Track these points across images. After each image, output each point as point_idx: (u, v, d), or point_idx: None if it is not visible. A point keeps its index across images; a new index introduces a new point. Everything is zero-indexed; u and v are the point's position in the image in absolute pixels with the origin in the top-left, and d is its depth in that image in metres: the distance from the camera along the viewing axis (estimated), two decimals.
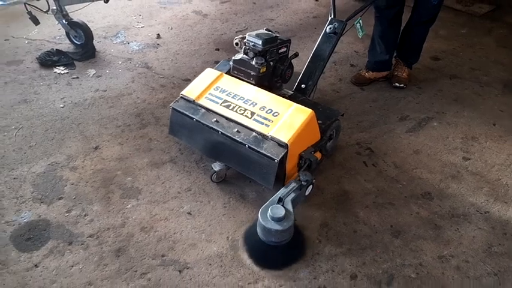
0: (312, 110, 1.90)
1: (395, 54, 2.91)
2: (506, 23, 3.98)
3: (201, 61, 3.06)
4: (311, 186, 1.84)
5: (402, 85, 2.85)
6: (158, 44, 3.26)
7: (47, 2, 2.69)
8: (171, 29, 3.51)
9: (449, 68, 3.18)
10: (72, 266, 1.63)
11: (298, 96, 2.28)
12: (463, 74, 3.11)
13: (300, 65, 2.46)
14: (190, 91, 2.04)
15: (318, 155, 2.05)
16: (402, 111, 2.66)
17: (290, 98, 2.12)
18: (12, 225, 1.77)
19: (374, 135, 2.43)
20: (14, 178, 1.99)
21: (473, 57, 3.36)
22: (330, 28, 2.37)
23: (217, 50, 3.22)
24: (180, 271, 1.64)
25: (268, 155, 1.76)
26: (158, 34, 3.38)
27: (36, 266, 1.63)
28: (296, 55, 2.27)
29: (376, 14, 2.70)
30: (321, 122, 2.04)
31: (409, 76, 2.90)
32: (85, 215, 1.84)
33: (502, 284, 1.67)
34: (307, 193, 1.84)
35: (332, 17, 2.41)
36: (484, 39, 3.65)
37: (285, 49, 2.21)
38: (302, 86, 2.37)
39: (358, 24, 2.45)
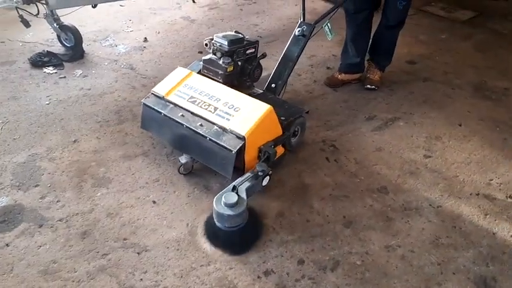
0: (274, 106, 2.02)
1: (368, 57, 3.02)
2: (487, 29, 4.08)
3: (183, 63, 3.20)
4: (268, 177, 1.95)
5: (374, 87, 2.96)
6: (144, 47, 3.43)
7: (37, 6, 2.86)
8: (159, 33, 3.68)
9: (423, 72, 3.29)
10: (40, 246, 1.77)
11: (268, 95, 2.41)
12: (436, 77, 3.22)
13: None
14: (161, 88, 2.18)
15: (280, 149, 2.17)
16: (371, 111, 2.77)
17: (259, 96, 2.26)
18: None
19: (340, 134, 2.54)
20: None
21: (449, 61, 3.46)
22: (299, 31, 2.50)
23: (200, 52, 3.37)
24: (138, 253, 1.76)
25: (227, 146, 1.89)
26: (145, 38, 3.56)
27: (7, 245, 1.76)
28: (264, 56, 2.40)
29: (346, 18, 2.83)
30: (284, 118, 2.17)
31: (381, 78, 3.01)
32: (57, 201, 1.98)
33: (444, 273, 1.75)
34: (264, 183, 1.96)
35: (301, 20, 2.54)
36: (462, 44, 3.76)
37: (253, 50, 2.34)
38: (272, 85, 2.50)
39: (326, 27, 2.58)
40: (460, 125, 2.67)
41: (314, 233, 1.90)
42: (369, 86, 2.97)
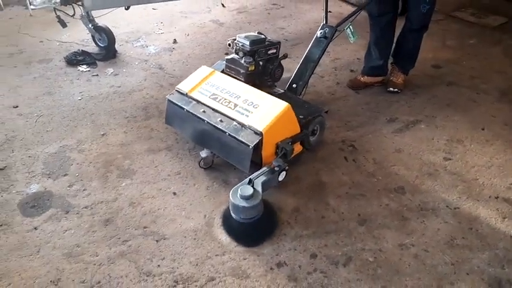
0: (294, 105, 2.07)
1: (391, 60, 3.02)
2: None
3: (209, 64, 3.24)
4: (284, 172, 2.00)
5: (396, 90, 2.95)
6: (173, 48, 3.56)
7: (73, 7, 3.04)
8: (188, 35, 3.81)
9: (449, 76, 3.25)
10: (66, 231, 1.88)
11: (288, 95, 2.46)
12: (461, 82, 3.17)
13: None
14: (185, 85, 2.28)
15: (298, 147, 2.21)
16: (392, 113, 2.77)
17: (280, 95, 2.31)
18: (21, 195, 2.05)
19: (360, 134, 2.56)
20: (29, 156, 2.29)
21: (476, 66, 3.40)
22: (321, 33, 2.55)
23: (227, 54, 3.46)
24: (157, 241, 1.84)
25: (244, 141, 1.95)
26: (175, 39, 3.69)
27: (35, 228, 1.89)
28: (285, 56, 2.46)
29: (370, 21, 2.85)
30: (302, 116, 2.21)
31: (404, 82, 3.00)
32: (84, 190, 2.10)
33: (457, 273, 1.74)
34: (280, 179, 2.00)
35: (324, 23, 2.59)
36: (491, 50, 3.68)
37: (274, 50, 2.40)
38: (293, 85, 2.55)
39: (348, 30, 2.61)
40: (483, 129, 2.63)
41: (328, 229, 1.92)
42: (391, 88, 2.96)
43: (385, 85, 3.04)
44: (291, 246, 1.83)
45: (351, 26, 2.60)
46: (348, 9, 4.52)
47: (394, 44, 2.96)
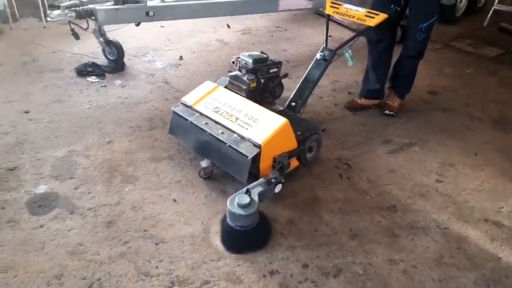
0: (292, 122, 2.18)
1: (388, 84, 3.15)
2: None
3: (213, 80, 3.39)
4: (280, 185, 2.09)
5: (392, 113, 3.07)
6: (179, 64, 3.71)
7: (87, 21, 3.19)
8: (193, 52, 3.97)
9: (444, 102, 3.37)
10: (70, 230, 1.96)
11: (287, 112, 2.57)
12: (456, 108, 3.29)
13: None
14: (189, 98, 2.40)
15: (295, 162, 2.31)
16: (388, 135, 2.87)
17: (279, 112, 2.41)
18: (29, 194, 2.15)
19: (355, 154, 2.66)
20: (38, 159, 2.39)
21: (471, 94, 3.53)
22: (321, 55, 2.67)
23: (230, 71, 3.59)
24: (156, 244, 1.92)
25: (243, 152, 2.05)
26: (181, 56, 3.84)
27: (41, 226, 1.97)
28: (286, 75, 2.59)
29: (368, 46, 3.00)
30: (300, 133, 2.31)
31: (400, 106, 3.12)
32: (88, 193, 2.19)
33: None
34: (276, 191, 2.09)
35: (324, 46, 2.73)
36: (487, 79, 3.82)
37: (276, 69, 2.53)
38: (292, 103, 2.66)
39: (347, 54, 2.73)
40: (476, 155, 2.73)
41: (321, 241, 2.00)
42: (387, 111, 3.08)
43: (381, 108, 3.15)
44: (284, 256, 1.91)
45: (349, 50, 2.73)
46: (349, 34, 4.68)
47: (391, 69, 3.09)
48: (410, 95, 3.19)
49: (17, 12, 4.41)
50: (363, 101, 3.14)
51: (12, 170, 2.29)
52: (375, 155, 2.67)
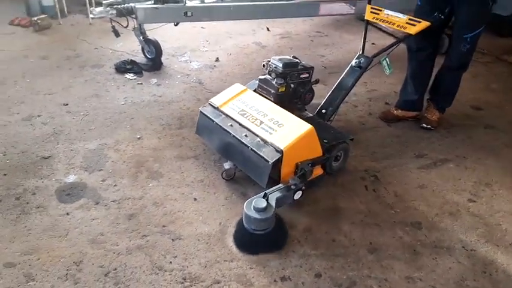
0: (319, 129, 2.15)
1: (428, 96, 3.02)
2: None
3: (246, 83, 3.45)
4: (300, 192, 2.06)
5: (429, 127, 2.94)
6: (215, 66, 3.76)
7: (127, 19, 3.31)
8: (230, 54, 4.01)
9: (487, 119, 3.19)
10: (93, 220, 2.04)
11: (316, 119, 2.54)
12: (500, 126, 3.10)
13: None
14: (217, 99, 2.42)
15: (318, 170, 2.27)
16: (421, 149, 2.76)
17: (307, 119, 2.39)
18: (59, 183, 2.25)
19: (384, 166, 2.57)
20: (71, 150, 2.51)
21: None
22: (356, 62, 2.62)
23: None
24: (173, 240, 1.95)
25: (265, 157, 2.04)
26: (217, 57, 3.90)
27: (67, 214, 2.06)
28: (317, 81, 2.55)
29: (408, 54, 2.89)
30: (326, 141, 2.27)
31: (439, 119, 2.97)
32: (114, 185, 2.26)
33: None
34: (296, 197, 2.06)
35: (361, 52, 2.66)
36: None
37: (307, 75, 2.50)
38: (323, 111, 2.62)
39: (384, 62, 2.65)
40: None
41: (337, 252, 1.95)
42: (424, 125, 2.95)
43: (419, 121, 3.03)
44: (298, 263, 1.88)
45: (387, 59, 2.64)
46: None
47: (431, 80, 2.96)
48: (451, 108, 3.05)
49: (65, 8, 4.65)
50: (399, 112, 3.03)
51: (46, 158, 2.41)
52: (405, 168, 2.57)
